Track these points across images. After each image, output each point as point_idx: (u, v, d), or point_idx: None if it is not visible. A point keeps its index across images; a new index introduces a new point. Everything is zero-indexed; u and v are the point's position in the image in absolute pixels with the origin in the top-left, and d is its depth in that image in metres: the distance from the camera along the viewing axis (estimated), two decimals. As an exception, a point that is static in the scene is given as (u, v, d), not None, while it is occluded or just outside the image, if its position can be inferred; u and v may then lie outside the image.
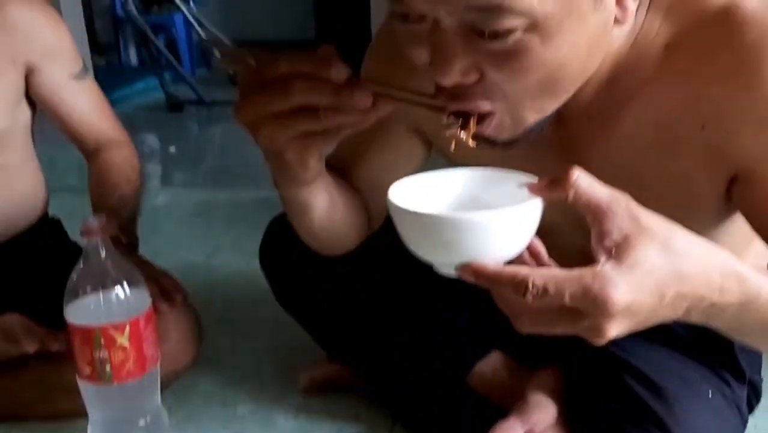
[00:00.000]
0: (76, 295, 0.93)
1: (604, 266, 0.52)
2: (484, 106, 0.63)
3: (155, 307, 1.05)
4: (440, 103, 0.64)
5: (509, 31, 0.57)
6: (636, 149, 0.74)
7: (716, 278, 0.56)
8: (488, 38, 0.58)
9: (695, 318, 0.58)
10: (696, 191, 0.75)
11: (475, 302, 1.07)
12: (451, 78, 0.60)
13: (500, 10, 0.55)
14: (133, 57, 4.94)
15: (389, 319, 1.12)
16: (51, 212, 1.39)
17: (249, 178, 2.68)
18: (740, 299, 0.58)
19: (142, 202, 1.32)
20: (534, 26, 0.57)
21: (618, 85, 0.71)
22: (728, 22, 0.66)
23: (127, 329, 0.93)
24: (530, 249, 0.60)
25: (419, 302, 1.11)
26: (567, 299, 0.52)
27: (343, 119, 0.62)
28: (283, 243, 1.18)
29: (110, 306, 0.93)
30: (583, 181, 0.55)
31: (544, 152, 0.75)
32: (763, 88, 0.65)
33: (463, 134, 0.64)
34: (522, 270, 0.54)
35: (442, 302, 1.10)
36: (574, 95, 0.68)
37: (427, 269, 1.07)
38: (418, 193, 0.62)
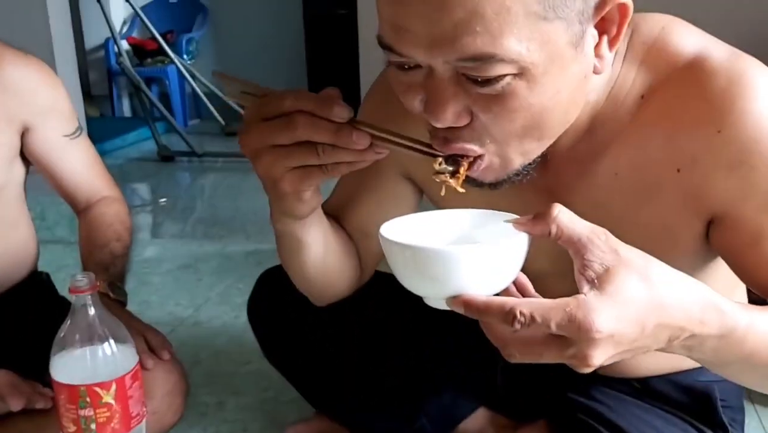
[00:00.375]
0: (62, 352, 0.93)
1: (588, 295, 0.55)
2: (474, 149, 0.66)
3: (142, 363, 1.05)
4: (434, 150, 0.67)
5: (499, 78, 0.61)
6: (615, 193, 0.76)
7: (696, 310, 0.59)
8: (480, 84, 0.61)
9: (677, 349, 0.60)
10: (675, 235, 0.76)
11: (462, 358, 1.08)
12: (445, 121, 0.64)
13: (492, 60, 0.59)
14: (126, 108, 5.00)
15: (377, 375, 1.12)
16: (41, 264, 1.39)
17: (239, 231, 2.70)
18: (720, 331, 0.60)
19: (132, 256, 1.33)
20: (521, 73, 0.61)
21: (597, 132, 0.75)
22: (698, 72, 0.70)
23: (113, 387, 0.92)
24: (517, 283, 0.63)
25: (407, 359, 1.11)
26: (553, 327, 0.54)
27: (341, 157, 0.66)
28: (272, 297, 1.18)
29: (96, 364, 0.93)
30: (564, 216, 0.58)
31: (528, 198, 0.77)
32: (731, 131, 0.68)
33: (453, 181, 0.67)
34: (510, 300, 0.56)
35: (429, 360, 1.10)
36: (557, 141, 0.71)
37: (414, 327, 1.09)
38: (409, 231, 0.64)
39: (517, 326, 0.54)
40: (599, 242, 0.57)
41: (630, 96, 0.73)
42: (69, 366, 0.93)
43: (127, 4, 4.13)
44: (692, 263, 0.80)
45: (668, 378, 0.96)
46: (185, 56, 4.64)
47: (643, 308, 0.56)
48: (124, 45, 4.47)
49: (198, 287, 2.11)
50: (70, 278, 0.93)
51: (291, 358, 1.21)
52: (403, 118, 0.70)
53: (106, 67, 4.81)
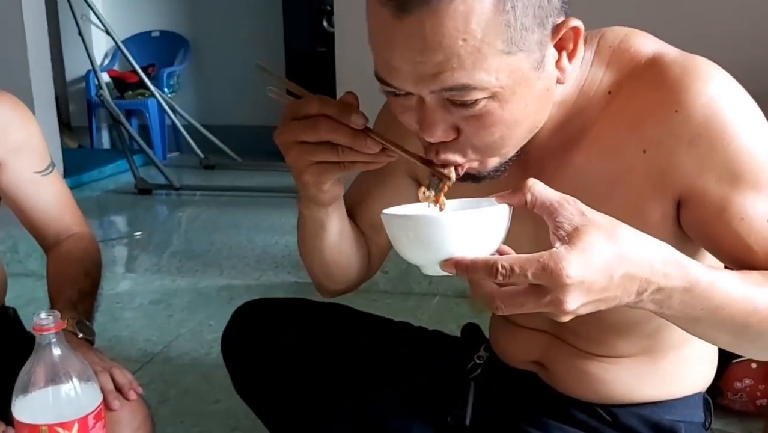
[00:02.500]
0: (25, 390, 0.92)
1: (559, 248, 0.63)
2: (458, 159, 0.77)
3: (107, 403, 1.04)
4: (426, 159, 0.79)
5: (476, 102, 0.72)
6: (589, 180, 0.82)
7: (659, 264, 0.65)
8: (461, 107, 0.72)
9: (648, 304, 0.67)
10: (646, 217, 0.81)
11: (433, 397, 1.09)
12: (436, 137, 0.75)
13: (468, 88, 0.71)
14: (105, 140, 5.00)
15: (353, 413, 1.12)
16: (12, 298, 1.38)
17: (213, 265, 2.69)
18: (684, 284, 0.67)
19: (102, 291, 1.32)
20: (494, 96, 0.72)
21: (569, 127, 0.83)
22: (656, 66, 0.79)
23: (75, 427, 0.91)
24: (501, 253, 0.70)
25: (381, 398, 1.11)
26: (530, 276, 0.62)
27: (356, 158, 0.78)
28: (247, 332, 1.18)
29: (59, 403, 0.92)
30: (537, 186, 0.67)
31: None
32: (687, 110, 0.76)
33: (432, 195, 0.78)
34: (492, 257, 0.64)
35: (400, 401, 1.11)
36: (534, 139, 0.81)
37: (387, 367, 1.10)
38: (409, 211, 0.75)
39: (500, 278, 0.63)
40: (569, 206, 0.65)
41: (598, 93, 0.82)
42: (31, 405, 0.92)
43: (109, 37, 4.17)
44: None
45: (636, 411, 0.97)
46: (166, 90, 4.66)
47: (610, 259, 0.63)
48: (105, 77, 4.48)
49: (169, 323, 2.10)
50: (34, 315, 0.93)
51: (263, 394, 1.21)
52: (404, 135, 0.82)
53: (86, 98, 4.82)
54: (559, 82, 0.77)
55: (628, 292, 0.65)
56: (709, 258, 0.84)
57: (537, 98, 0.75)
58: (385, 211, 0.72)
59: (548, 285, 0.62)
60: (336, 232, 0.94)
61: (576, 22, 0.74)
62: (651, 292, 0.66)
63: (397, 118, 0.84)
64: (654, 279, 0.65)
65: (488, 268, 0.63)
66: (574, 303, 0.63)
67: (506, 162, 0.80)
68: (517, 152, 0.80)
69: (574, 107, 0.83)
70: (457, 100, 0.72)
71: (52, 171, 1.27)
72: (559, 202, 0.65)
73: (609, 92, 0.81)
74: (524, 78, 0.72)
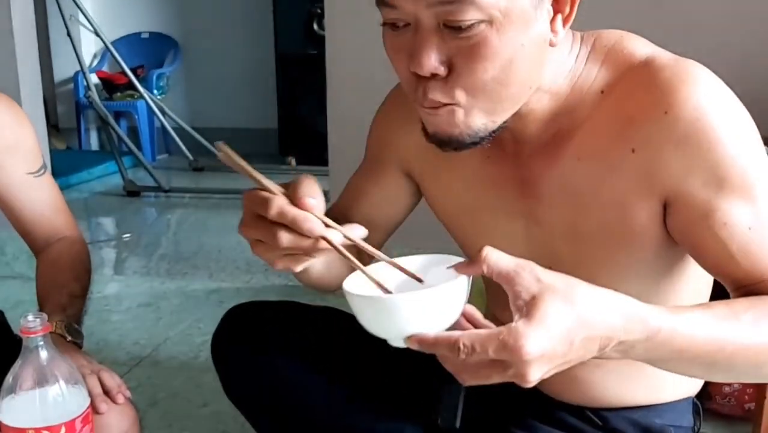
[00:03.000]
0: (11, 393, 0.91)
1: (517, 323, 0.63)
2: (446, 99, 0.75)
3: (95, 406, 1.03)
4: (416, 102, 0.78)
5: (473, 25, 0.71)
6: (579, 177, 0.83)
7: (618, 321, 0.66)
8: (456, 32, 0.71)
9: (612, 354, 0.68)
10: (633, 216, 0.82)
11: (425, 397, 1.09)
12: (428, 67, 0.73)
13: (465, 2, 0.70)
14: (93, 142, 4.97)
15: (344, 416, 1.12)
16: (-2, 301, 1.37)
17: (202, 268, 2.68)
18: (645, 335, 0.67)
19: (90, 295, 1.31)
20: (491, 21, 0.71)
21: (561, 121, 0.83)
22: (648, 68, 0.79)
23: (63, 430, 0.91)
24: (467, 315, 0.70)
25: (372, 401, 1.11)
26: (491, 354, 0.62)
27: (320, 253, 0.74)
28: (238, 335, 1.18)
29: (46, 407, 0.91)
30: (491, 256, 0.66)
31: (506, 189, 0.88)
32: (676, 111, 0.76)
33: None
34: (454, 334, 0.64)
35: (392, 408, 1.11)
36: (525, 130, 0.82)
37: (378, 375, 1.10)
38: (370, 281, 0.73)
39: (462, 355, 0.63)
40: (525, 274, 0.65)
41: (591, 90, 0.82)
42: (17, 409, 0.91)
43: (98, 38, 4.15)
44: (655, 258, 0.85)
45: (626, 415, 0.97)
46: (155, 91, 4.64)
47: (569, 326, 0.63)
48: (94, 79, 4.46)
49: (158, 326, 2.09)
50: (21, 318, 0.92)
51: (253, 397, 1.21)
52: (406, 124, 0.86)
53: (74, 100, 4.79)
54: (551, 44, 0.77)
55: (590, 350, 0.66)
56: (693, 267, 0.85)
57: (533, 43, 0.75)
58: (347, 288, 0.70)
59: (510, 360, 0.62)
60: (319, 266, 0.91)
61: None
62: (613, 346, 0.67)
63: (396, 109, 0.87)
64: (614, 335, 0.66)
65: (450, 345, 0.64)
66: (537, 374, 0.64)
67: (491, 130, 0.79)
68: (501, 126, 0.79)
69: (566, 102, 0.83)
70: (452, 20, 0.71)
71: (44, 173, 1.26)
72: (515, 270, 0.65)
73: (602, 91, 0.82)
74: (522, 10, 0.72)
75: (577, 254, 0.88)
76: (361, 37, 2.27)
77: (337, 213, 1.01)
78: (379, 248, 1.01)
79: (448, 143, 0.79)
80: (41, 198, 1.26)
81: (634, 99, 0.79)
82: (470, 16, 0.70)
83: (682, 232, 0.81)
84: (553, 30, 0.76)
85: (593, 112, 0.82)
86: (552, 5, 0.75)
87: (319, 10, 4.12)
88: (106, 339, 1.98)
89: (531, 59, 0.76)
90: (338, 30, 2.24)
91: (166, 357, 1.89)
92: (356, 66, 2.25)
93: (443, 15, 0.71)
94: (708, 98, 0.76)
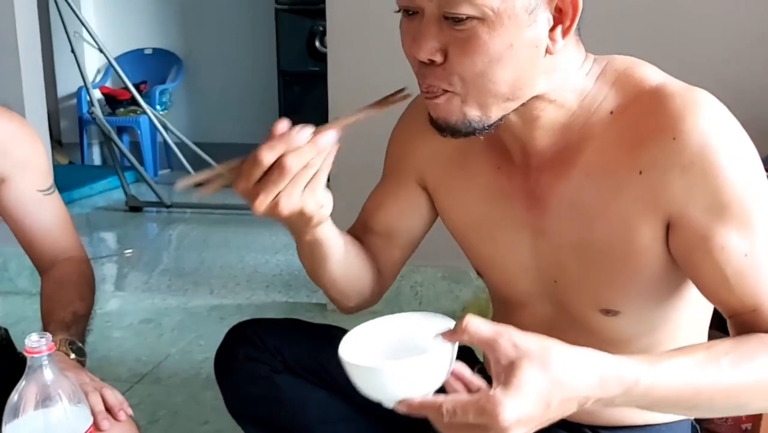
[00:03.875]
0: (15, 414, 0.92)
1: (495, 390, 0.67)
2: (443, 86, 0.81)
3: (97, 424, 1.04)
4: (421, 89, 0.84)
5: (466, 19, 0.76)
6: (587, 192, 0.86)
7: (594, 380, 0.69)
8: (452, 23, 0.77)
9: (592, 408, 0.71)
10: (638, 239, 0.84)
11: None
12: (426, 52, 0.79)
13: None
14: (96, 156, 4.98)
15: (344, 432, 1.12)
16: (1, 315, 1.38)
17: (203, 284, 2.69)
18: (622, 390, 0.70)
19: (94, 314, 1.32)
20: (483, 19, 0.76)
21: (570, 136, 0.86)
22: (660, 94, 0.82)
23: (66, 449, 0.91)
24: (456, 374, 0.75)
25: (372, 417, 1.11)
26: (471, 418, 0.67)
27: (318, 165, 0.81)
28: (240, 352, 1.18)
29: (49, 426, 0.91)
30: (472, 325, 0.70)
31: (516, 203, 0.92)
32: (684, 138, 0.79)
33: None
34: (438, 399, 0.69)
35: (392, 422, 1.11)
36: (536, 142, 0.86)
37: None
38: (366, 341, 0.79)
39: (446, 418, 0.68)
40: (502, 340, 0.69)
41: (601, 109, 0.85)
42: (21, 429, 0.91)
43: (102, 54, 4.17)
44: (656, 277, 0.87)
45: None
46: (158, 107, 4.66)
47: (545, 389, 0.67)
48: (97, 94, 4.48)
49: (159, 343, 2.09)
50: (26, 338, 0.93)
51: (255, 414, 1.21)
52: (424, 132, 0.90)
53: (77, 115, 4.81)
54: (548, 51, 0.80)
55: (568, 409, 0.70)
56: (694, 289, 0.87)
57: (524, 46, 0.78)
58: (342, 355, 0.75)
59: (488, 425, 0.67)
60: (341, 250, 0.97)
61: None
62: (592, 402, 0.70)
63: (415, 122, 0.94)
64: (591, 393, 0.70)
65: (435, 410, 0.69)
66: None
67: (485, 124, 0.83)
68: (497, 123, 0.83)
69: (574, 117, 0.85)
70: (449, 12, 0.76)
71: (53, 192, 1.28)
72: (494, 338, 0.69)
73: (611, 112, 0.85)
74: (514, 14, 0.76)
75: (582, 267, 0.90)
76: (362, 54, 2.30)
77: (359, 227, 1.07)
78: (399, 263, 1.09)
79: (445, 129, 0.84)
80: (50, 216, 1.27)
81: (644, 123, 0.82)
82: (464, 10, 0.76)
83: (682, 254, 0.83)
84: (552, 39, 0.80)
85: (602, 131, 0.85)
86: (554, 15, 0.79)
87: (321, 28, 4.15)
88: (108, 356, 1.98)
89: (521, 61, 0.79)
90: (340, 47, 2.26)
91: (167, 374, 1.89)
92: (357, 83, 2.26)
93: (443, 5, 0.77)
94: (714, 127, 0.79)
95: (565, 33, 0.80)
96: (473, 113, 0.82)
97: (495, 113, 0.82)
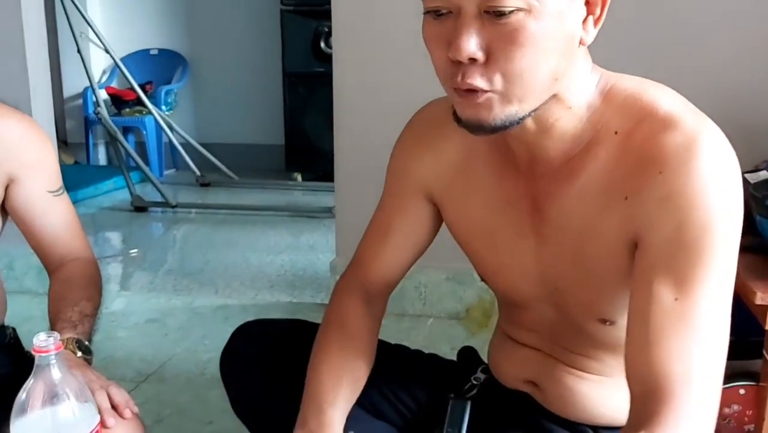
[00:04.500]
0: (23, 412, 0.92)
1: None
2: (484, 85, 0.78)
3: (103, 421, 1.04)
4: (453, 85, 0.81)
5: (512, 12, 0.75)
6: (582, 206, 0.87)
7: None
8: (497, 18, 0.75)
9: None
10: (620, 255, 0.85)
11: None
12: (467, 51, 0.76)
13: None
14: (101, 157, 5.00)
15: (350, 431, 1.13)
16: (8, 314, 1.39)
17: (208, 284, 2.70)
18: None
19: (100, 313, 1.33)
20: (529, 10, 0.75)
21: (574, 150, 0.87)
22: (664, 124, 0.81)
23: (73, 447, 0.92)
24: None
25: (378, 418, 1.13)
26: None
27: None
28: (246, 351, 1.19)
29: (57, 424, 0.92)
30: None
31: (520, 209, 0.92)
32: (669, 174, 0.79)
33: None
34: None
35: (398, 423, 1.12)
36: (543, 152, 0.87)
37: (384, 393, 1.11)
38: None
39: None
40: None
41: (607, 127, 0.85)
42: (30, 427, 0.92)
43: (108, 54, 4.19)
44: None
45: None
46: (163, 107, 4.68)
47: None
48: (103, 95, 4.49)
49: (164, 342, 2.10)
50: (34, 337, 0.94)
51: (260, 413, 1.22)
52: (424, 148, 0.95)
53: (83, 115, 4.83)
54: (581, 42, 0.81)
55: None
56: None
57: (564, 37, 0.78)
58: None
59: None
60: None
61: None
62: None
63: (416, 137, 0.94)
64: None
65: None
66: None
67: (519, 117, 0.81)
68: (526, 116, 0.81)
69: (582, 131, 0.86)
70: (494, 5, 0.75)
71: (62, 193, 1.29)
72: None
73: (616, 132, 0.85)
74: (557, 3, 0.76)
75: (579, 277, 0.90)
76: (367, 55, 2.30)
77: (370, 252, 1.06)
78: (406, 270, 1.08)
79: (478, 128, 0.82)
80: (59, 218, 1.29)
81: (640, 151, 0.82)
82: (511, 2, 0.74)
83: (633, 275, 0.83)
84: (584, 29, 0.80)
85: (605, 150, 0.85)
86: (585, 6, 0.79)
87: (326, 29, 4.16)
88: (113, 355, 1.99)
89: (561, 51, 0.79)
90: (345, 48, 2.27)
91: (172, 374, 1.90)
92: (362, 84, 2.27)
93: (486, 1, 0.75)
94: (704, 170, 0.78)
95: (596, 23, 0.81)
96: (512, 109, 0.81)
97: (530, 106, 0.81)
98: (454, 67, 0.79)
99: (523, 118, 0.82)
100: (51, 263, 1.30)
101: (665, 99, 0.84)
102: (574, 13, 0.79)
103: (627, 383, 0.82)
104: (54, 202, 1.28)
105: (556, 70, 0.80)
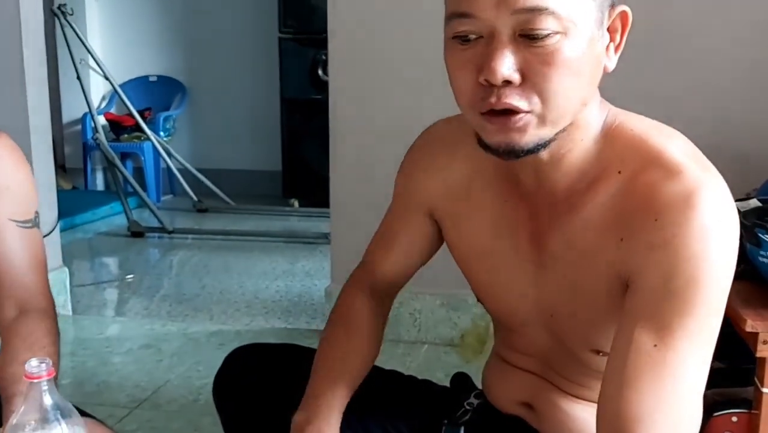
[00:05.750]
0: (12, 438, 0.92)
1: None
2: (522, 106, 0.78)
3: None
4: (483, 110, 0.81)
5: (548, 36, 0.75)
6: (581, 241, 0.88)
7: None
8: (532, 41, 0.76)
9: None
10: (614, 291, 0.86)
11: None
12: (501, 74, 0.76)
13: (545, 11, 0.75)
14: (99, 182, 5.02)
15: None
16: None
17: (203, 310, 2.70)
18: None
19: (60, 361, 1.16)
20: (565, 33, 0.76)
21: (579, 186, 0.88)
22: (667, 173, 0.82)
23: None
24: None
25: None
26: None
27: None
28: (240, 375, 1.19)
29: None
30: None
31: (520, 236, 0.93)
32: (662, 222, 0.80)
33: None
34: None
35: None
36: (549, 181, 0.88)
37: (377, 419, 1.11)
38: None
39: None
40: None
41: (611, 167, 0.86)
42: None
43: (107, 81, 4.23)
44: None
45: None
46: (162, 133, 4.70)
47: None
48: (101, 120, 4.52)
49: (158, 368, 2.09)
50: (26, 363, 0.93)
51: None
52: (430, 167, 0.97)
53: (82, 141, 4.86)
54: (605, 70, 0.82)
55: None
56: None
57: (594, 60, 0.80)
58: None
59: None
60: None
61: (624, 7, 0.82)
62: None
63: (423, 155, 0.95)
64: None
65: None
66: None
67: (547, 140, 0.81)
68: (554, 138, 0.82)
69: (590, 166, 0.87)
70: (531, 28, 0.75)
71: (32, 228, 1.18)
72: None
73: (619, 172, 0.85)
74: (589, 27, 0.78)
75: (574, 307, 0.91)
76: (362, 82, 2.33)
77: (378, 253, 1.09)
78: (413, 273, 1.11)
79: (509, 153, 0.82)
80: (18, 250, 1.15)
81: (640, 196, 0.83)
82: (548, 25, 0.75)
83: (623, 311, 0.84)
84: (607, 56, 0.82)
85: (607, 189, 0.86)
86: (608, 32, 0.82)
87: (323, 56, 4.20)
88: (107, 381, 1.98)
89: (592, 75, 0.81)
90: (341, 75, 2.30)
91: (166, 400, 1.89)
92: (358, 111, 2.29)
93: (523, 23, 0.76)
94: (699, 223, 0.79)
95: (616, 49, 0.83)
96: (545, 132, 0.81)
97: (559, 127, 0.82)
98: (485, 91, 0.79)
99: (549, 143, 0.82)
100: (6, 309, 1.14)
101: (672, 146, 0.85)
102: (601, 39, 0.81)
103: (596, 423, 0.82)
104: (16, 232, 1.15)
105: (587, 95, 0.82)
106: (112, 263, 3.55)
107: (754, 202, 1.43)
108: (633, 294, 0.82)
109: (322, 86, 3.86)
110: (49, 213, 2.61)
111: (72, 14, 3.86)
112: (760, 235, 1.31)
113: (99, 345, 2.24)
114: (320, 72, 4.30)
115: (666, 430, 0.78)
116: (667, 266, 0.79)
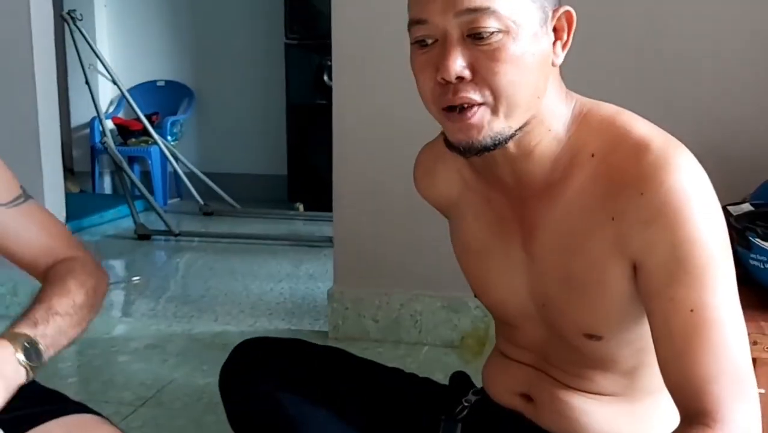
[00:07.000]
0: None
1: None
2: (476, 98, 0.85)
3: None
4: (443, 105, 0.88)
5: (492, 34, 0.83)
6: (569, 227, 0.92)
7: None
8: (478, 41, 0.83)
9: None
10: (609, 275, 0.90)
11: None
12: (454, 71, 0.84)
13: (487, 11, 0.82)
14: (107, 186, 5.07)
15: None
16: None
17: (208, 311, 2.73)
18: None
19: (84, 327, 1.11)
20: (507, 32, 0.83)
21: (555, 174, 0.92)
22: (638, 147, 0.87)
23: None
24: None
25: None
26: None
27: None
28: (246, 368, 1.21)
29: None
30: None
31: (510, 228, 0.98)
32: (650, 194, 0.84)
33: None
34: None
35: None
36: (527, 174, 0.92)
37: (378, 413, 1.13)
38: None
39: None
40: None
41: (583, 151, 0.91)
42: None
43: (115, 86, 4.27)
44: (627, 311, 0.91)
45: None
46: (169, 137, 4.75)
47: None
48: (109, 125, 4.57)
49: (163, 368, 2.12)
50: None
51: (259, 431, 1.23)
52: (433, 175, 1.04)
53: (90, 144, 4.91)
54: (552, 64, 0.88)
55: None
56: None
57: (540, 57, 0.86)
58: None
59: None
60: None
61: (568, 8, 0.88)
62: None
63: (428, 168, 1.00)
64: None
65: None
66: None
67: (507, 136, 0.88)
68: (514, 134, 0.87)
69: (562, 153, 0.91)
70: (475, 28, 0.83)
71: (23, 202, 1.16)
72: None
73: (593, 155, 0.90)
74: (532, 26, 0.84)
75: (565, 294, 0.94)
76: (366, 88, 2.36)
77: None
78: None
79: (469, 148, 0.88)
80: (30, 225, 1.16)
81: (619, 173, 0.87)
82: (491, 24, 0.82)
83: (642, 298, 0.88)
84: (554, 52, 0.88)
85: (583, 172, 0.91)
86: (553, 32, 0.88)
87: (328, 62, 4.23)
88: (113, 379, 2.02)
89: (538, 70, 0.87)
90: (345, 81, 2.33)
91: (170, 399, 1.92)
92: (361, 115, 2.33)
93: (468, 24, 0.83)
94: (680, 186, 0.83)
95: (563, 47, 0.89)
96: (499, 126, 0.87)
97: (516, 123, 0.87)
98: (444, 89, 0.86)
99: (509, 138, 0.88)
100: (39, 274, 1.15)
101: (638, 124, 0.90)
102: (545, 36, 0.87)
103: (673, 398, 0.86)
104: (12, 213, 1.14)
105: (537, 87, 0.87)
106: (119, 265, 3.59)
107: (746, 207, 1.45)
108: (648, 275, 0.85)
109: (328, 92, 3.88)
110: (58, 216, 2.64)
111: (81, 20, 3.91)
112: (751, 238, 1.33)
113: (106, 344, 2.27)
114: (326, 78, 4.33)
115: (731, 371, 0.82)
116: (669, 237, 0.83)
